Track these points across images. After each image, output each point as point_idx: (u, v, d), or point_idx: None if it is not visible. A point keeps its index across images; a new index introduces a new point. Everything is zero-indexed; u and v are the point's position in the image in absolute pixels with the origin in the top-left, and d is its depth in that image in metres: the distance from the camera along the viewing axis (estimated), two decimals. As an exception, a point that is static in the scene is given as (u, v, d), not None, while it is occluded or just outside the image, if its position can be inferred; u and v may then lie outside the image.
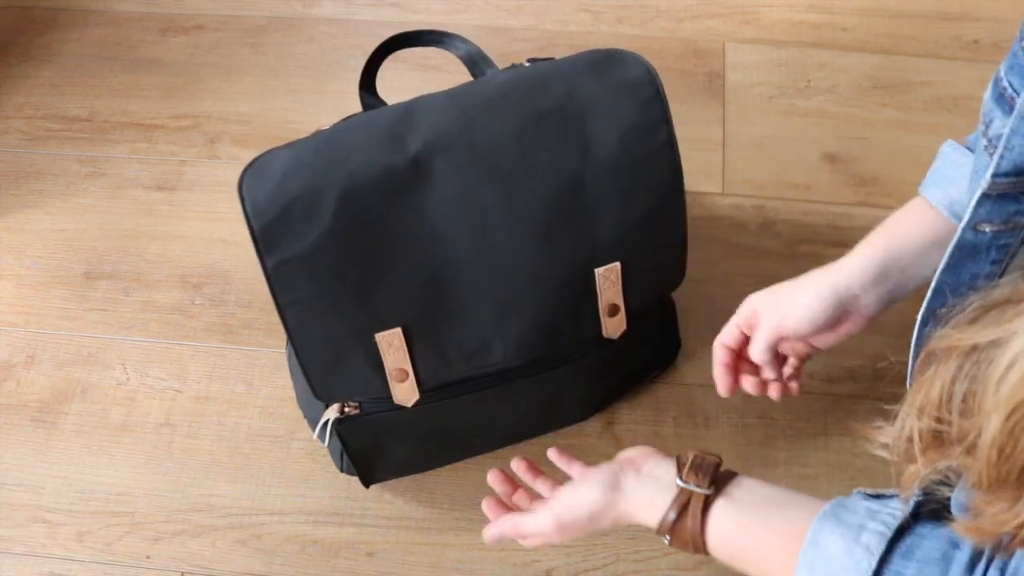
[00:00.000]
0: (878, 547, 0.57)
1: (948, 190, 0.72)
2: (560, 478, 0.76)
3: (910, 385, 0.62)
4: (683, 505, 0.65)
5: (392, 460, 0.92)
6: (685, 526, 0.65)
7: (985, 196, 0.58)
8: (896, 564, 0.56)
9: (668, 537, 0.66)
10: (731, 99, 1.26)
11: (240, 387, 1.03)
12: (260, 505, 0.95)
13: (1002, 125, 0.60)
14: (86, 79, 1.32)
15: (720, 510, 0.65)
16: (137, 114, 1.27)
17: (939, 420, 0.47)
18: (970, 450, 0.45)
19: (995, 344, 0.44)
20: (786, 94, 1.26)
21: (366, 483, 0.93)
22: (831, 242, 1.12)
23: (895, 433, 0.51)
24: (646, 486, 0.68)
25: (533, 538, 0.73)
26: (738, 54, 1.31)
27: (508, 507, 0.77)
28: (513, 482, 0.79)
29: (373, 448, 0.89)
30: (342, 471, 0.94)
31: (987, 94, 0.66)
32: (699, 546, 0.65)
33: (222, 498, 0.96)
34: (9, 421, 1.01)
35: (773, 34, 1.33)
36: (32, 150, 1.24)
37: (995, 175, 0.57)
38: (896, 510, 0.58)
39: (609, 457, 0.97)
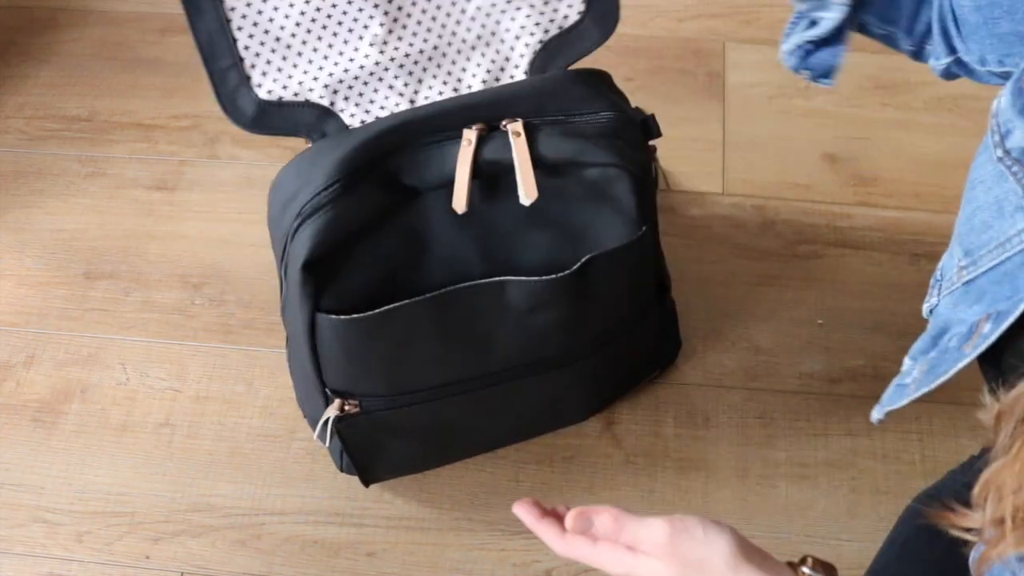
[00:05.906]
0: None
1: None
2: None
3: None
4: None
5: (392, 459, 0.92)
6: None
7: None
8: None
9: None
10: (731, 99, 1.26)
11: (240, 387, 1.03)
12: (260, 505, 0.95)
13: None
14: (86, 79, 1.32)
15: None
16: (137, 114, 1.27)
17: None
18: None
19: None
20: (786, 94, 1.26)
21: (366, 482, 0.93)
22: (831, 242, 1.12)
23: (982, 516, 0.44)
24: None
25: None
26: (738, 54, 1.31)
27: (548, 511, 0.60)
28: (541, 507, 0.61)
29: (373, 446, 0.89)
30: (342, 471, 0.94)
31: (1003, 102, 0.56)
32: None
33: (222, 498, 0.96)
34: (9, 421, 1.01)
35: (773, 34, 1.32)
36: (32, 150, 1.24)
37: None
38: None
39: (609, 457, 0.98)
